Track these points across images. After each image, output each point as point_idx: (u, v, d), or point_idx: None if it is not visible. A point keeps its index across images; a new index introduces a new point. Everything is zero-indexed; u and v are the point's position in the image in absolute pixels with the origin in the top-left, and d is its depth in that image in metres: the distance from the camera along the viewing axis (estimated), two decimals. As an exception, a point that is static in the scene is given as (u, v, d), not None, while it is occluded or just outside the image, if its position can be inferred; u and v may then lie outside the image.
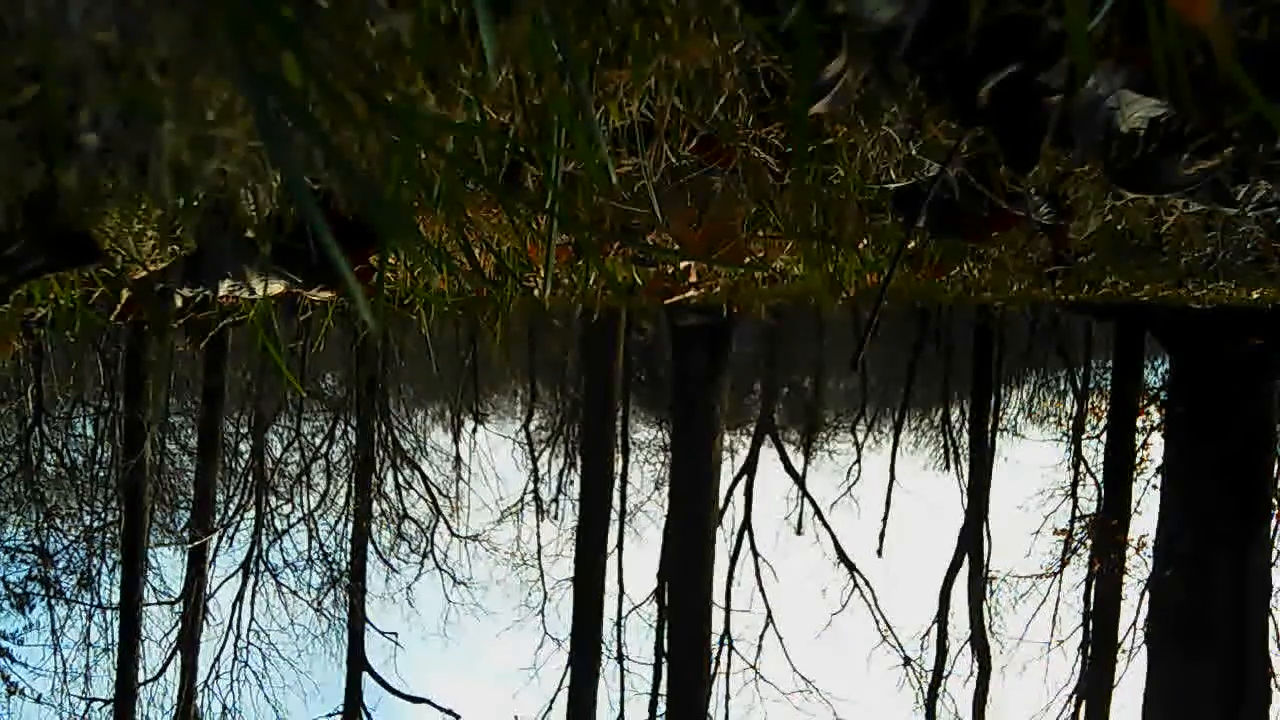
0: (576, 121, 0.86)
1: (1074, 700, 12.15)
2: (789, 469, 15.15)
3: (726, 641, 12.77)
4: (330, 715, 12.27)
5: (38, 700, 10.64)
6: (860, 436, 16.42)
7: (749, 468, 14.83)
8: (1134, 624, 11.65)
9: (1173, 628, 9.41)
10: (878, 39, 0.88)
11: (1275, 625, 9.64)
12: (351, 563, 13.03)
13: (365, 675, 12.48)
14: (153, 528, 11.42)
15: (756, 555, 13.73)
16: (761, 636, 13.06)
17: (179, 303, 1.71)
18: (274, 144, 0.50)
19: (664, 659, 12.25)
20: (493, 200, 1.25)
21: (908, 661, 13.04)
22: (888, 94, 1.01)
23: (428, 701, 12.19)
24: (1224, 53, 0.75)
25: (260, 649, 12.26)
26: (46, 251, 1.12)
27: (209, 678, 11.80)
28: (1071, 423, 16.44)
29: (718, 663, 12.43)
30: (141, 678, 10.95)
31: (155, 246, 1.64)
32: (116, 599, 10.90)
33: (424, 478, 14.47)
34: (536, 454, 15.82)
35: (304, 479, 13.61)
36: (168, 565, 11.82)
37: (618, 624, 12.79)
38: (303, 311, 2.92)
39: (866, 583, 13.61)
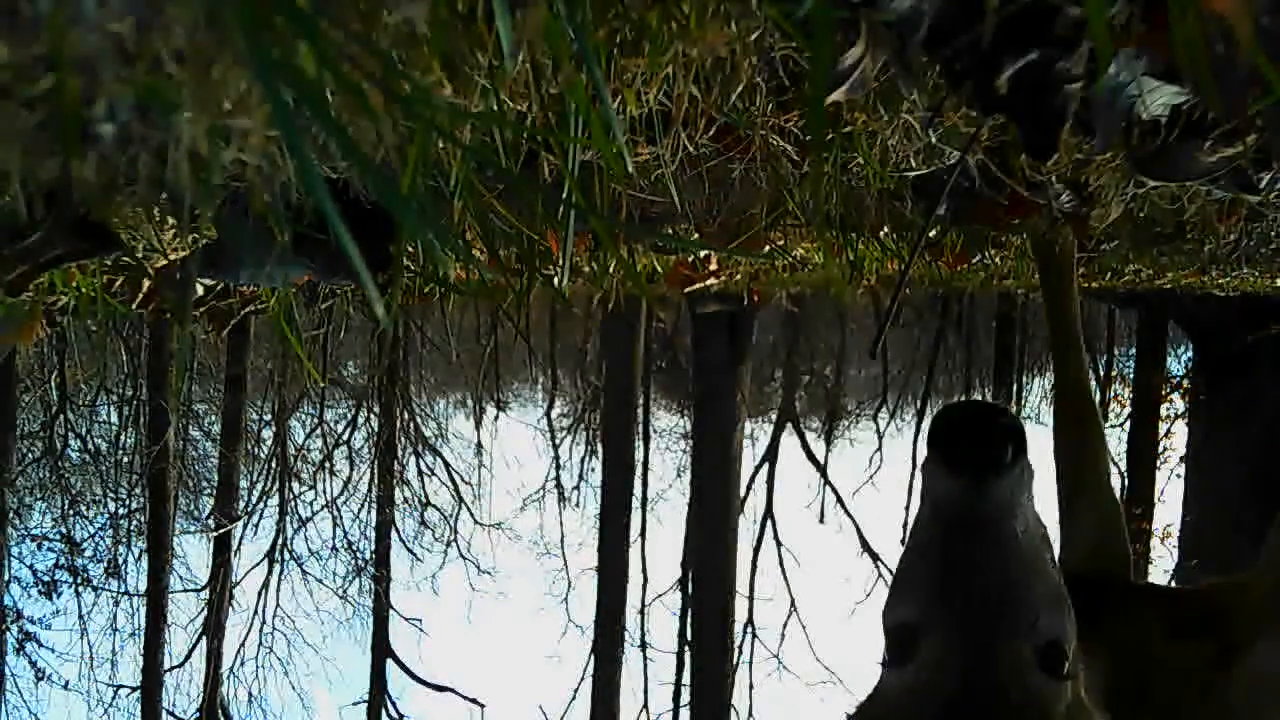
0: (593, 110, 0.86)
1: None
2: (810, 457, 15.13)
3: (750, 630, 12.77)
4: (355, 703, 12.35)
5: (65, 687, 10.72)
6: (882, 424, 16.38)
7: (770, 456, 14.81)
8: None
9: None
10: (896, 26, 0.88)
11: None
12: (375, 550, 13.08)
13: (390, 662, 12.54)
14: (177, 515, 11.48)
15: (779, 544, 13.72)
16: (785, 625, 13.06)
17: (200, 291, 1.72)
18: (290, 135, 0.50)
19: (687, 647, 12.26)
20: (510, 188, 1.25)
21: (931, 650, 12.98)
22: (907, 82, 1.01)
23: (452, 690, 12.24)
24: (1245, 39, 0.75)
25: (285, 635, 12.33)
26: (66, 241, 1.12)
27: (234, 664, 11.89)
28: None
29: (741, 651, 12.43)
30: (168, 664, 11.03)
31: (176, 235, 1.65)
32: (143, 586, 10.97)
33: (446, 465, 14.51)
34: (558, 441, 15.85)
35: (327, 465, 13.66)
36: (193, 552, 11.91)
37: (641, 612, 12.81)
38: (324, 299, 2.93)
39: (890, 572, 13.54)
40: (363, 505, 13.39)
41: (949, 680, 1.08)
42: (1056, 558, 1.18)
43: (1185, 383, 12.17)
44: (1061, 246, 1.85)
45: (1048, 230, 1.79)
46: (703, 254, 2.68)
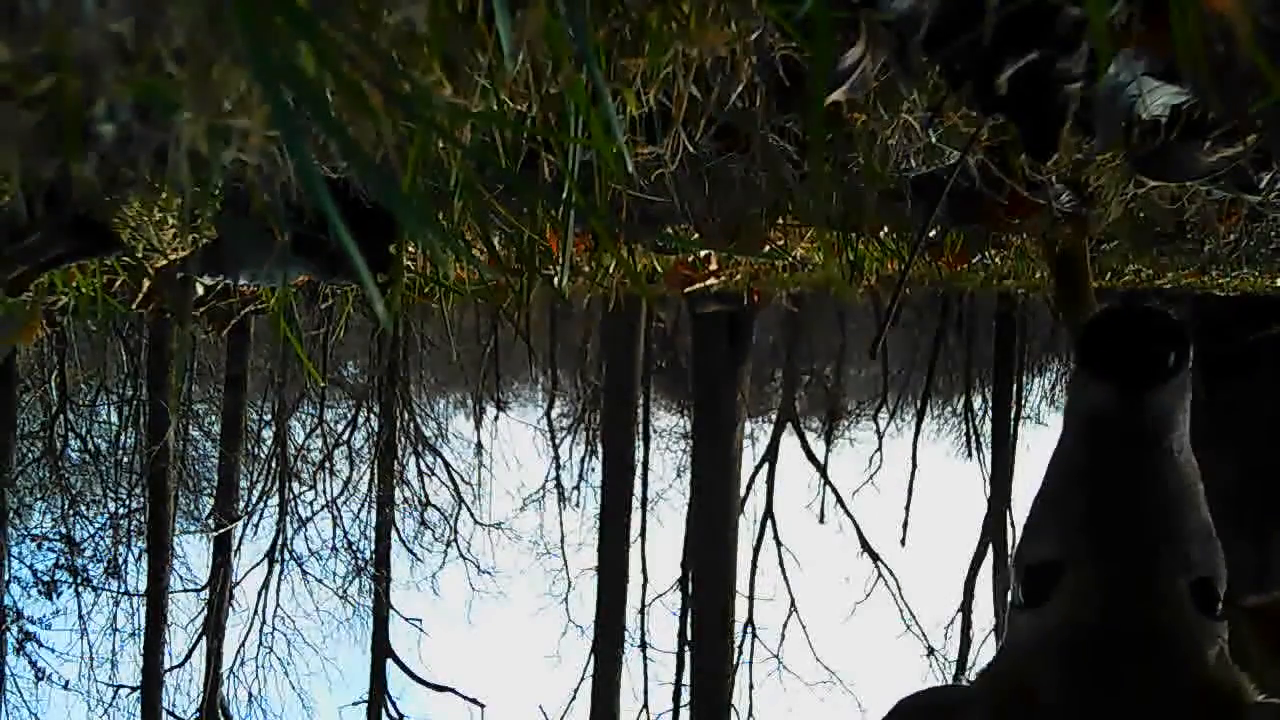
0: (593, 110, 0.86)
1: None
2: (810, 457, 15.12)
3: (750, 630, 12.77)
4: (355, 703, 12.34)
5: (65, 687, 10.71)
6: (882, 424, 16.38)
7: (770, 456, 14.81)
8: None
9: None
10: (896, 26, 0.88)
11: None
12: (375, 550, 13.08)
13: (390, 662, 12.54)
14: (177, 515, 11.49)
15: (779, 544, 13.72)
16: (785, 625, 13.06)
17: (200, 291, 1.72)
18: (290, 135, 0.50)
19: (687, 647, 12.26)
20: (510, 189, 1.25)
21: (932, 652, 13.01)
22: (907, 81, 1.01)
23: (452, 690, 12.24)
24: (1245, 39, 0.75)
25: (285, 635, 12.33)
26: (66, 241, 1.13)
27: (234, 664, 11.88)
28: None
29: (741, 651, 12.43)
30: (168, 664, 11.03)
31: (176, 235, 1.65)
32: (143, 586, 10.97)
33: (446, 465, 14.52)
34: (558, 441, 15.85)
35: (327, 466, 13.67)
36: (193, 552, 11.91)
37: (641, 612, 12.80)
38: (324, 299, 2.93)
39: (890, 572, 13.56)
40: (363, 505, 13.40)
41: (1091, 614, 0.96)
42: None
43: (1185, 383, 12.13)
44: (1066, 249, 1.83)
45: (1048, 230, 1.79)
46: (703, 254, 2.68)
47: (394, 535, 13.24)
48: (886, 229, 2.14)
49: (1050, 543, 1.04)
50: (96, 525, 11.77)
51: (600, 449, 14.07)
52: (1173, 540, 0.97)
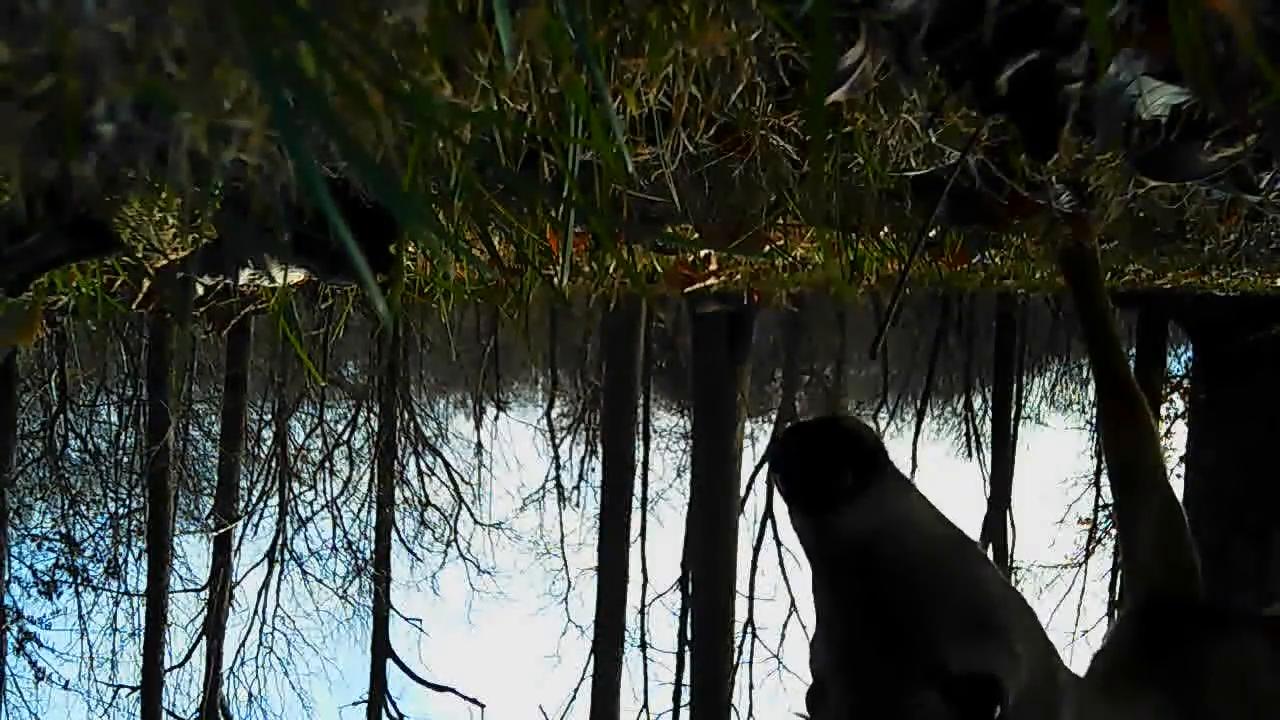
0: (593, 110, 0.86)
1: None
2: (811, 457, 15.07)
3: (750, 630, 12.77)
4: (355, 703, 12.35)
5: (65, 687, 10.72)
6: (882, 424, 16.38)
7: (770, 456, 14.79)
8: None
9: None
10: (896, 26, 0.88)
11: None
12: (375, 550, 13.09)
13: (390, 662, 12.55)
14: (177, 515, 11.50)
15: (779, 544, 13.73)
16: (785, 625, 13.07)
17: (200, 291, 1.72)
18: (289, 135, 0.50)
19: (687, 647, 12.27)
20: (510, 189, 1.25)
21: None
22: (907, 82, 1.01)
23: (452, 690, 12.25)
24: (1245, 39, 0.75)
25: (285, 635, 12.34)
26: (66, 241, 1.13)
27: (234, 664, 11.89)
28: (1095, 410, 16.32)
29: (741, 651, 12.44)
30: (168, 664, 11.03)
31: (176, 235, 1.65)
32: (143, 586, 10.98)
33: (446, 465, 14.52)
34: (558, 441, 15.86)
35: (327, 466, 13.67)
36: (193, 552, 11.92)
37: (641, 612, 12.82)
38: (324, 299, 2.93)
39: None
40: (363, 505, 13.41)
41: None
42: (983, 572, 0.98)
43: (1185, 383, 12.15)
44: (1067, 248, 1.83)
45: (1048, 230, 1.79)
46: (703, 254, 2.68)
47: (394, 535, 13.25)
48: (886, 229, 2.14)
49: (820, 659, 1.00)
50: (96, 525, 11.78)
51: (600, 449, 14.08)
52: (908, 648, 0.91)
